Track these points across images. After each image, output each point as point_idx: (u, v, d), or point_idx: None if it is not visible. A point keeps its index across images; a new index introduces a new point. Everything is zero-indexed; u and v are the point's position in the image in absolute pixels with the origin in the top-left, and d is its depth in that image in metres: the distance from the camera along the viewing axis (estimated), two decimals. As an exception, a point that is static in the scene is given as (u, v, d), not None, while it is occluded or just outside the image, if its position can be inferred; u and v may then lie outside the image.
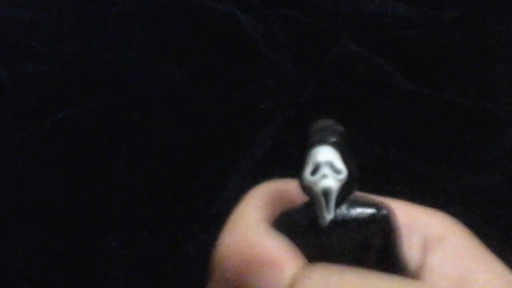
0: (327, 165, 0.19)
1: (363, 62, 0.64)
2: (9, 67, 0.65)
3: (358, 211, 0.20)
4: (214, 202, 0.53)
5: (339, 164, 0.20)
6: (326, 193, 0.19)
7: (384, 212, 0.20)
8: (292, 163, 0.45)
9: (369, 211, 0.20)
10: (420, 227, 0.22)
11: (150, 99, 0.61)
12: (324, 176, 0.19)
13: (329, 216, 0.20)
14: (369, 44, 0.66)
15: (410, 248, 0.22)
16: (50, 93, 0.62)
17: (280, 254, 0.19)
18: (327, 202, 0.19)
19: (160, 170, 0.56)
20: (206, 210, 0.52)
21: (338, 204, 0.20)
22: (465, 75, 0.63)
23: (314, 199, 0.20)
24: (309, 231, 0.20)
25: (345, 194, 0.20)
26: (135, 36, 0.68)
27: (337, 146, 0.20)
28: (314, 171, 0.20)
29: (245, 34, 0.67)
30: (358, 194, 0.21)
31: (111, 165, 0.56)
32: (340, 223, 0.20)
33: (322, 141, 0.20)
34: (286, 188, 0.22)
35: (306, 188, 0.20)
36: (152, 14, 0.70)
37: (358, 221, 0.20)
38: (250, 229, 0.20)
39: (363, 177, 0.21)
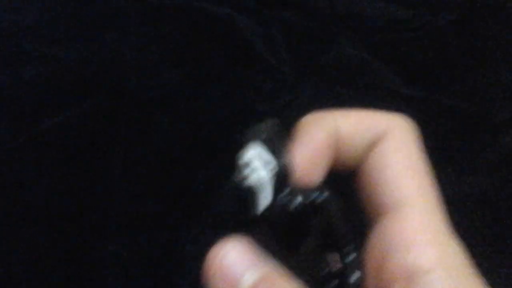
0: (256, 159, 0.20)
1: (360, 65, 0.65)
2: (6, 70, 0.65)
3: (296, 199, 0.21)
4: (211, 204, 0.53)
5: (267, 156, 0.20)
6: (258, 183, 0.20)
7: (320, 198, 0.21)
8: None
9: (304, 199, 0.21)
10: (365, 129, 0.24)
11: (148, 101, 0.62)
12: (254, 169, 0.20)
13: (260, 205, 0.20)
14: (366, 47, 0.66)
15: (354, 150, 0.24)
16: (48, 96, 0.62)
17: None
18: (260, 192, 0.20)
19: (158, 172, 0.56)
20: (203, 212, 0.52)
21: (277, 192, 0.20)
22: (461, 78, 0.63)
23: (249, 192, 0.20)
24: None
25: (280, 183, 0.20)
26: (133, 39, 0.68)
27: (264, 140, 0.20)
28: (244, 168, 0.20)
29: (242, 37, 0.67)
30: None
31: (109, 167, 0.56)
32: (281, 211, 0.20)
33: (249, 140, 0.20)
34: None
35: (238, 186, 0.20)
36: (150, 17, 0.70)
37: (296, 208, 0.21)
38: None
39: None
